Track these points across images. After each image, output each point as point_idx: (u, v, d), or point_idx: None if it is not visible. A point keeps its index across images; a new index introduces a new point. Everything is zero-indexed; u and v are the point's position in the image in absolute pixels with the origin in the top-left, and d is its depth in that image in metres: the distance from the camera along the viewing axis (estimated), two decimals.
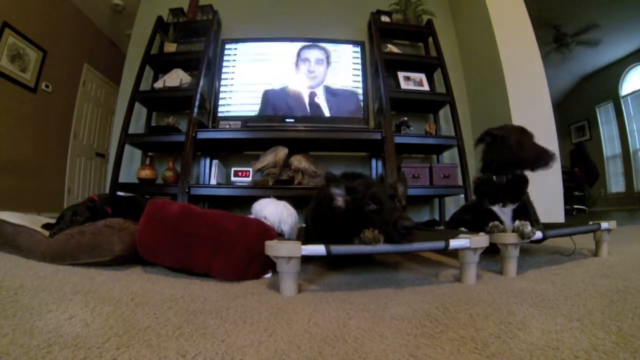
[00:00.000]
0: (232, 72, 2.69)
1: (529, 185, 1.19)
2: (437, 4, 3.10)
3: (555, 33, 5.12)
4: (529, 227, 0.96)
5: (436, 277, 1.02)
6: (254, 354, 0.49)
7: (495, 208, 1.18)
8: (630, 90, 5.67)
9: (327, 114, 2.63)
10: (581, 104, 6.65)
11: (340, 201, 0.97)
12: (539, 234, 1.03)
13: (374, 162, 2.73)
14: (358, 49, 2.78)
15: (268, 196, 1.39)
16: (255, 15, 3.03)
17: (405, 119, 2.59)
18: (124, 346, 0.50)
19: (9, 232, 1.20)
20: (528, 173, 1.19)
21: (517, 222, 0.99)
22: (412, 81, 2.70)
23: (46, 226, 1.25)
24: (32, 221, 1.30)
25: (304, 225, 1.47)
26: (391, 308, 0.70)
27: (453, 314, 0.65)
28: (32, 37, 3.25)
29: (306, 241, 1.09)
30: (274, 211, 1.24)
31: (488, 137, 1.20)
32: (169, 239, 1.01)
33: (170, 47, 2.68)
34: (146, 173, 2.41)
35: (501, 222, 1.14)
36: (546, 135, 2.41)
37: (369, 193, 0.92)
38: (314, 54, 2.75)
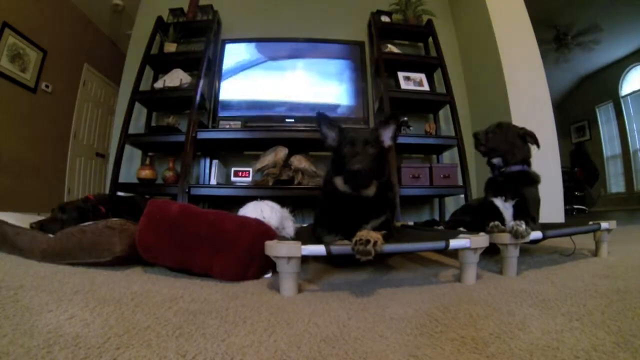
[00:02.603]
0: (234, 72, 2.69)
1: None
2: (437, 4, 3.10)
3: (555, 33, 5.12)
4: (523, 227, 0.96)
5: (436, 277, 1.02)
6: (254, 354, 0.49)
7: (498, 202, 1.19)
8: (630, 90, 5.67)
9: (326, 113, 2.63)
10: (581, 104, 6.65)
11: (330, 140, 1.02)
12: (537, 234, 1.03)
13: None
14: (358, 49, 2.78)
15: (267, 196, 1.40)
16: (255, 16, 3.03)
17: (405, 119, 2.59)
18: (124, 346, 0.50)
19: (9, 232, 1.20)
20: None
21: (511, 222, 0.99)
22: (412, 81, 2.70)
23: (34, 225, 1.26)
24: (32, 221, 1.30)
25: (304, 225, 1.48)
26: (391, 308, 0.70)
27: (453, 314, 0.65)
28: (32, 37, 3.25)
29: (314, 231, 1.10)
30: (251, 210, 1.24)
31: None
32: (168, 239, 1.01)
33: (170, 47, 2.68)
34: (146, 173, 2.41)
35: (502, 218, 1.15)
36: (546, 135, 2.41)
37: (346, 137, 0.97)
38: (313, 55, 2.75)
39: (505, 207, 1.17)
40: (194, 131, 2.26)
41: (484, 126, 1.32)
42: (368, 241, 0.77)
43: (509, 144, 1.22)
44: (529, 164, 1.23)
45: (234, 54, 2.73)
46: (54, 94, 3.56)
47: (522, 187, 1.16)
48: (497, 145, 1.23)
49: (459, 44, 3.11)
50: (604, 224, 1.19)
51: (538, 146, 1.23)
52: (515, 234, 0.96)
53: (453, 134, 2.55)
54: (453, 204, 2.71)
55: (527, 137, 1.22)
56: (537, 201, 1.19)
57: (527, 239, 0.98)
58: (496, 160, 1.24)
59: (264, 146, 2.43)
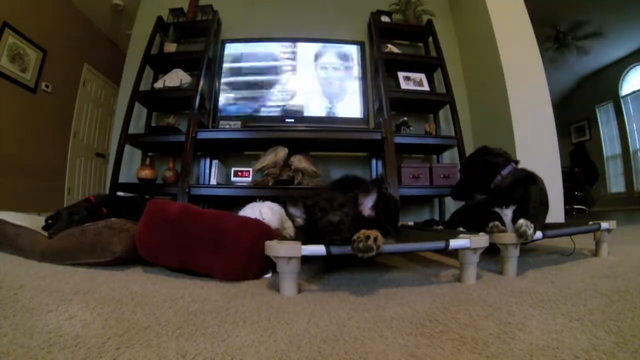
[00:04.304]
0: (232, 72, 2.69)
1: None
2: (437, 4, 3.10)
3: (555, 33, 5.11)
4: (531, 230, 0.96)
5: (436, 277, 1.02)
6: (254, 354, 0.49)
7: (497, 210, 1.19)
8: (630, 90, 5.67)
9: (327, 114, 2.63)
10: (581, 104, 6.64)
11: (299, 221, 0.95)
12: (537, 234, 1.03)
13: (374, 162, 2.73)
14: (358, 49, 2.78)
15: (267, 197, 1.40)
16: (255, 15, 3.03)
17: (405, 119, 2.59)
18: (124, 346, 0.50)
19: (10, 232, 1.20)
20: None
21: (521, 221, 0.98)
22: (412, 81, 2.69)
23: (46, 227, 1.25)
24: (32, 221, 1.30)
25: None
26: (391, 308, 0.70)
27: (453, 314, 0.65)
28: (32, 37, 3.25)
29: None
30: (250, 212, 1.25)
31: None
32: (169, 239, 1.01)
33: (170, 47, 2.68)
34: (146, 173, 2.41)
35: (502, 222, 1.14)
36: (546, 135, 2.41)
37: (317, 205, 0.89)
38: (313, 54, 2.75)
39: (505, 213, 1.17)
40: (194, 131, 2.26)
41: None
42: (368, 237, 0.76)
43: (477, 175, 1.25)
44: (515, 162, 1.24)
45: (234, 54, 2.73)
46: (54, 94, 3.56)
47: (522, 191, 1.15)
48: (466, 188, 1.27)
49: (459, 44, 3.11)
50: (604, 224, 1.18)
51: (501, 155, 1.24)
52: (521, 235, 0.95)
53: (453, 134, 2.55)
54: (453, 204, 2.71)
55: (488, 157, 1.23)
56: (541, 202, 1.17)
57: (529, 240, 0.98)
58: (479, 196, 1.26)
59: (264, 146, 2.43)
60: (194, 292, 0.83)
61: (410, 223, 2.16)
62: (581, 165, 5.29)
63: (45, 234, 1.18)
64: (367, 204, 0.95)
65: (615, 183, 6.06)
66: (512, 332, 0.55)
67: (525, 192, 1.14)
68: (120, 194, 2.28)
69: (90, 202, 1.37)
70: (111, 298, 0.75)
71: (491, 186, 1.22)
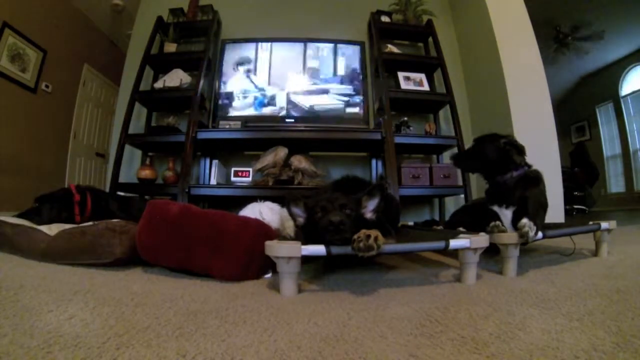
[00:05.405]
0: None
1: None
2: (437, 4, 3.10)
3: (555, 33, 5.12)
4: (533, 232, 0.95)
5: (436, 277, 1.02)
6: (254, 354, 0.49)
7: (496, 209, 1.19)
8: (630, 91, 5.67)
9: (327, 114, 2.63)
10: (581, 104, 6.64)
11: (300, 220, 0.96)
12: (539, 234, 1.02)
13: (374, 162, 2.73)
14: (358, 49, 2.78)
15: (267, 197, 1.40)
16: (255, 16, 3.03)
17: (405, 119, 2.59)
18: (124, 346, 0.50)
19: (9, 232, 1.20)
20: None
21: (524, 220, 0.98)
22: (412, 81, 2.70)
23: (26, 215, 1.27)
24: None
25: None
26: (391, 308, 0.70)
27: (453, 314, 0.65)
28: (32, 37, 3.25)
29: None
30: (249, 212, 1.25)
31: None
32: (168, 239, 1.01)
33: (170, 47, 2.68)
34: (146, 173, 2.41)
35: (502, 222, 1.14)
36: (546, 135, 2.42)
37: (318, 205, 0.90)
38: (313, 54, 2.75)
39: (504, 214, 1.16)
40: (194, 131, 2.26)
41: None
42: (368, 237, 0.76)
43: (487, 160, 1.21)
44: (528, 165, 1.22)
45: (234, 54, 2.74)
46: (54, 94, 3.56)
47: (522, 192, 1.14)
48: (471, 164, 1.22)
49: (459, 44, 3.11)
50: (604, 224, 1.18)
51: (524, 154, 1.22)
52: (522, 235, 0.95)
53: (453, 134, 2.55)
54: (453, 204, 2.71)
55: (510, 148, 1.20)
56: (540, 203, 1.16)
57: (529, 241, 0.98)
58: (477, 174, 1.23)
59: (264, 146, 2.43)
60: (194, 292, 0.83)
61: (410, 223, 2.16)
62: (581, 166, 5.28)
63: (44, 230, 1.18)
64: (370, 207, 0.96)
65: (615, 183, 6.06)
66: (512, 332, 0.55)
67: (527, 193, 1.14)
68: (120, 194, 2.29)
69: (65, 190, 1.38)
70: (111, 298, 0.75)
71: (497, 179, 1.20)
